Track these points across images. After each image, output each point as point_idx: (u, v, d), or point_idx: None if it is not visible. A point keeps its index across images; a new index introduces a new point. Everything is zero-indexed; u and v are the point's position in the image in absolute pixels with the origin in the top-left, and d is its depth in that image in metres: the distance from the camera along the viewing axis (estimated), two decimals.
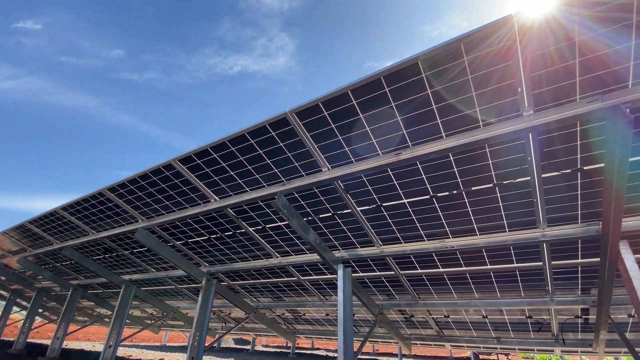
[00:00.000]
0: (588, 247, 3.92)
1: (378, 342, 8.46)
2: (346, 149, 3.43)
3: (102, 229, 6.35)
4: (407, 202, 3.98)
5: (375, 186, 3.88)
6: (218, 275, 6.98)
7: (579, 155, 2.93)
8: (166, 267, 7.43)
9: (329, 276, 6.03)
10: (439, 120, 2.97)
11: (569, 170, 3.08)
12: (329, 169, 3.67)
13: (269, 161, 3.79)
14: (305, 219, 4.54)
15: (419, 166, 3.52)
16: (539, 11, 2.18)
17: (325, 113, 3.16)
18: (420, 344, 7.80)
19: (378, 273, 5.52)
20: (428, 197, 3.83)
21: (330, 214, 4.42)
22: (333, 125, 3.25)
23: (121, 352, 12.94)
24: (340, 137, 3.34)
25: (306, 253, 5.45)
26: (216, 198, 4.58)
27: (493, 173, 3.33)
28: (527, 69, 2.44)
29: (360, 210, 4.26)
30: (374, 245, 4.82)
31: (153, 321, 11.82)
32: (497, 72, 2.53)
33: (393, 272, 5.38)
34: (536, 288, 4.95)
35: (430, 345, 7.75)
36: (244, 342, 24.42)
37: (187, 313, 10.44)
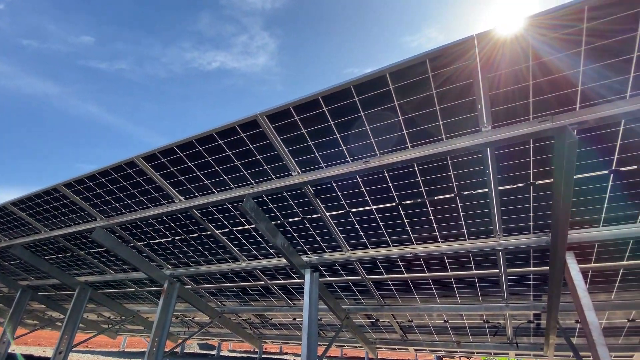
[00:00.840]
0: (539, 256, 4.18)
1: (344, 346, 8.52)
2: (316, 154, 3.45)
3: (56, 227, 5.94)
4: (375, 208, 4.06)
5: (344, 192, 3.93)
6: (182, 278, 6.74)
7: (531, 171, 3.14)
8: (126, 268, 7.07)
9: (297, 280, 6.01)
10: (405, 132, 3.06)
11: (522, 184, 3.28)
12: (299, 173, 3.67)
13: (237, 163, 3.73)
14: (274, 222, 4.50)
15: (386, 174, 3.61)
16: (499, 34, 2.32)
17: (297, 118, 3.16)
18: (385, 348, 7.94)
19: (345, 278, 5.57)
20: (394, 204, 3.93)
21: (299, 218, 4.42)
22: (304, 131, 3.26)
23: (74, 358, 12.11)
24: (311, 143, 3.35)
25: (274, 257, 5.39)
26: (181, 198, 4.43)
27: (454, 184, 3.48)
28: (487, 88, 2.59)
29: (330, 215, 4.28)
30: (342, 250, 4.87)
31: (110, 325, 11.17)
32: (459, 88, 2.65)
33: (360, 277, 5.45)
34: (493, 294, 5.20)
35: (395, 349, 7.91)
36: (209, 347, 23.67)
37: (147, 317, 9.97)
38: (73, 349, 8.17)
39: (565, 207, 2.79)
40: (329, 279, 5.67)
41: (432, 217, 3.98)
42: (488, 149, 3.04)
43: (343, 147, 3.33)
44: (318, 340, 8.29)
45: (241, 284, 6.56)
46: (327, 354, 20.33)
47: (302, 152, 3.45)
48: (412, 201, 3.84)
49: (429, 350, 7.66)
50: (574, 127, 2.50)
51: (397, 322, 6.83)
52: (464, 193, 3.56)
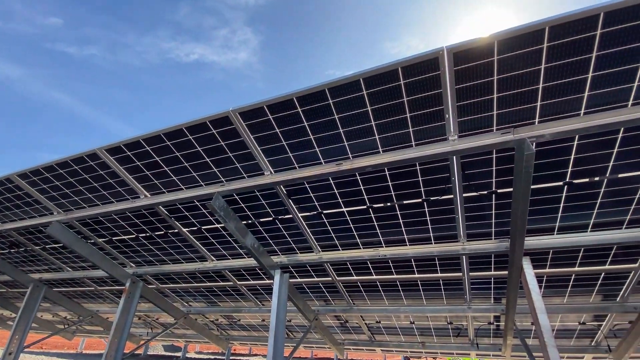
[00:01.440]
0: (499, 261, 4.39)
1: (313, 347, 8.52)
2: (290, 154, 3.43)
3: (8, 219, 5.52)
4: (346, 210, 4.10)
5: (317, 193, 3.93)
6: (146, 277, 6.47)
7: (494, 179, 3.29)
8: (85, 266, 6.69)
9: (267, 281, 5.94)
10: (377, 137, 3.11)
11: (485, 192, 3.43)
12: (271, 172, 3.63)
13: (208, 160, 3.63)
14: (244, 222, 4.42)
15: (358, 177, 3.65)
16: (467, 48, 2.41)
17: (270, 117, 3.13)
18: (353, 349, 8.02)
19: (316, 279, 5.58)
20: (365, 207, 3.98)
21: (271, 219, 4.37)
22: (278, 130, 3.23)
23: (26, 359, 11.28)
24: (284, 143, 3.33)
25: (244, 257, 5.30)
26: (147, 194, 4.26)
27: (422, 189, 3.58)
28: (454, 98, 2.68)
29: (302, 216, 4.27)
30: (313, 251, 4.87)
31: (66, 326, 10.51)
32: (429, 97, 2.73)
33: (330, 278, 5.47)
34: (456, 296, 5.40)
35: (363, 350, 8.01)
36: (175, 348, 22.88)
37: (108, 317, 9.48)
38: (25, 350, 7.62)
39: (522, 215, 2.95)
40: (299, 280, 5.65)
41: (400, 221, 4.07)
42: (454, 157, 3.15)
43: (317, 149, 3.34)
44: (286, 342, 8.25)
45: (209, 284, 6.39)
46: (296, 355, 20.23)
47: (275, 151, 3.42)
48: (382, 204, 3.90)
49: (396, 351, 7.82)
50: (533, 140, 2.65)
51: (365, 323, 6.92)
52: (431, 198, 3.67)
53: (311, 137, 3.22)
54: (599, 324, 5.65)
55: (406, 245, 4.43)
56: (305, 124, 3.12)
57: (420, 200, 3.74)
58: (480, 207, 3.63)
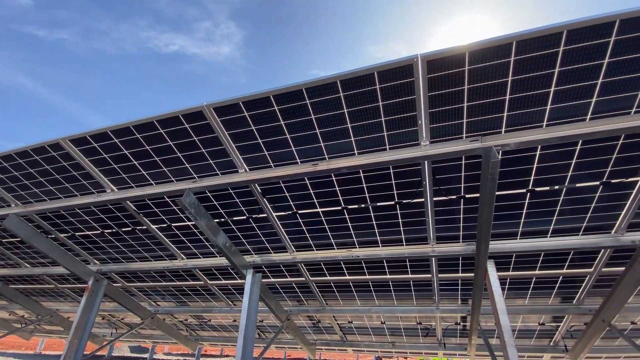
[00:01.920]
0: (466, 263, 4.55)
1: (285, 347, 8.48)
2: (265, 152, 3.40)
3: None
4: (322, 211, 4.10)
5: (292, 193, 3.91)
6: (111, 275, 6.19)
7: (462, 185, 3.40)
8: (45, 262, 6.31)
9: (240, 281, 5.85)
10: (352, 139, 3.14)
11: (455, 197, 3.55)
12: (246, 170, 3.58)
13: (180, 155, 3.53)
14: (217, 220, 4.33)
15: (334, 178, 3.66)
16: (441, 57, 2.48)
17: (246, 114, 3.08)
18: (325, 349, 8.05)
19: (289, 279, 5.55)
20: (340, 208, 4.01)
21: (244, 217, 4.30)
22: (254, 127, 3.19)
23: None
24: (260, 140, 3.29)
25: (216, 256, 5.19)
26: (114, 188, 4.07)
27: (395, 192, 3.65)
28: (427, 105, 2.75)
29: (276, 215, 4.24)
30: (287, 251, 4.84)
31: (24, 325, 9.88)
32: (404, 103, 2.79)
33: (304, 279, 5.47)
34: (426, 297, 5.55)
35: (334, 350, 8.06)
36: (142, 349, 22.04)
37: (69, 317, 8.99)
38: None
39: (487, 220, 3.07)
40: (272, 280, 5.60)
41: (374, 222, 4.13)
42: (426, 162, 3.23)
43: (293, 148, 3.32)
44: (258, 342, 8.16)
45: (178, 283, 6.21)
46: (269, 356, 20.05)
47: (250, 149, 3.37)
48: (356, 206, 3.94)
49: (367, 350, 7.93)
50: (499, 149, 2.77)
51: (337, 323, 6.97)
52: (404, 201, 3.74)
53: (287, 136, 3.20)
54: (557, 324, 5.98)
55: (379, 246, 4.50)
56: (282, 122, 3.10)
57: (393, 202, 3.81)
58: (449, 211, 3.75)
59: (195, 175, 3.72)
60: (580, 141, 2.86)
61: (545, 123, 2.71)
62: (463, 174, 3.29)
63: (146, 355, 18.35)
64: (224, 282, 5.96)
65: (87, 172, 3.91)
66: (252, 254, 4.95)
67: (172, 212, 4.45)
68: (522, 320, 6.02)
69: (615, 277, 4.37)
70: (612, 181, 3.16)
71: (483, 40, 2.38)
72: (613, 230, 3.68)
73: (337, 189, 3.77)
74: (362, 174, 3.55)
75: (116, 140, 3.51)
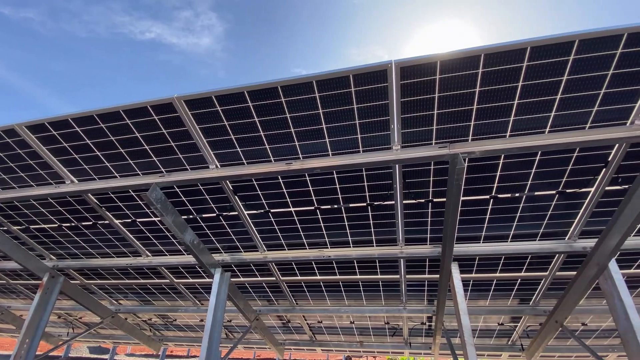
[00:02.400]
0: (433, 265, 4.70)
1: (253, 347, 8.37)
2: (238, 149, 3.33)
3: None
4: (294, 210, 4.09)
5: (265, 191, 3.87)
6: (69, 271, 5.84)
7: (431, 189, 3.51)
8: None
9: (208, 280, 5.70)
10: (327, 140, 3.15)
11: (423, 200, 3.65)
12: (217, 166, 3.49)
13: (147, 147, 3.39)
14: (185, 217, 4.20)
15: (307, 178, 3.66)
16: (414, 64, 2.54)
17: (219, 108, 3.01)
18: (294, 349, 8.03)
19: (260, 278, 5.48)
20: (313, 208, 4.01)
21: (215, 215, 4.20)
22: (226, 123, 3.12)
23: None
24: (233, 137, 3.23)
25: (183, 254, 5.03)
26: (74, 180, 3.84)
27: (367, 194, 3.70)
28: (399, 110, 2.82)
29: (248, 213, 4.17)
30: (258, 250, 4.78)
31: None
32: (377, 107, 2.83)
33: (274, 278, 5.42)
34: (394, 297, 5.68)
35: (303, 349, 8.05)
36: (102, 350, 20.97)
37: (21, 315, 8.39)
38: None
39: (452, 223, 3.19)
40: (242, 279, 5.51)
41: (346, 223, 4.17)
42: (397, 166, 3.31)
43: (267, 146, 3.28)
44: (226, 342, 8.00)
45: (142, 281, 5.96)
46: (238, 356, 19.71)
47: (222, 145, 3.30)
48: (329, 206, 3.96)
49: (335, 350, 7.99)
50: (465, 156, 2.88)
51: (307, 323, 6.97)
52: (375, 203, 3.81)
53: (261, 133, 3.16)
54: (515, 325, 6.32)
55: (350, 247, 4.55)
56: (256, 119, 3.06)
57: (365, 204, 3.86)
58: (418, 214, 3.85)
59: (163, 170, 3.59)
60: (540, 152, 3.04)
61: (508, 133, 2.86)
62: (432, 178, 3.39)
63: (106, 356, 17.45)
64: (191, 280, 5.79)
65: (45, 161, 3.66)
66: (221, 253, 4.84)
67: (138, 207, 4.26)
68: (483, 320, 6.30)
69: (568, 280, 4.68)
70: (567, 191, 3.39)
71: (454, 50, 2.46)
72: (567, 237, 3.94)
73: (310, 188, 3.77)
74: (335, 175, 3.58)
75: (78, 129, 3.31)
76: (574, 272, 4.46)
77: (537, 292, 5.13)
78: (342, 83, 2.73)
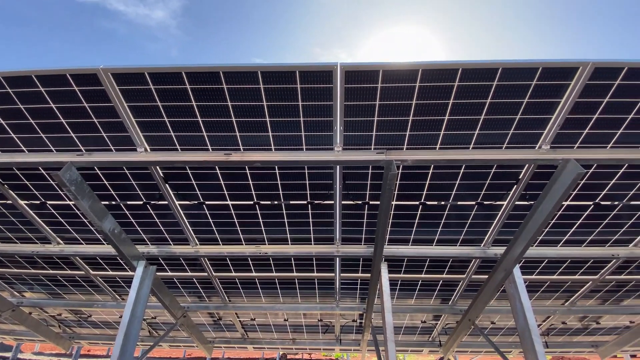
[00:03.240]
0: (365, 264, 4.89)
1: (180, 346, 7.93)
2: (172, 133, 3.10)
3: None
4: (232, 204, 3.94)
5: (200, 182, 3.66)
6: None
7: (368, 192, 3.65)
8: None
9: (131, 273, 5.23)
10: (270, 133, 3.09)
11: (360, 202, 3.78)
12: (146, 150, 3.21)
13: (64, 121, 2.99)
14: (106, 202, 3.80)
15: (248, 171, 3.55)
16: (359, 69, 2.60)
17: (152, 87, 2.77)
18: (224, 347, 7.77)
19: (190, 274, 5.19)
20: (252, 203, 3.91)
21: (141, 203, 3.87)
22: (160, 104, 2.88)
23: None
24: (166, 119, 2.99)
25: (103, 243, 4.55)
26: None
27: (308, 192, 3.71)
28: (343, 113, 2.87)
29: (180, 204, 3.92)
30: (189, 244, 4.52)
31: None
32: (322, 107, 2.85)
33: (206, 274, 5.18)
34: (328, 295, 5.79)
35: (234, 347, 7.84)
36: (5, 347, 18.17)
37: None
38: None
39: (384, 225, 3.34)
40: (170, 273, 5.17)
41: (285, 220, 4.13)
42: (338, 167, 3.37)
43: (205, 133, 3.11)
44: (149, 341, 7.45)
45: (52, 271, 5.27)
46: (166, 355, 18.54)
47: (154, 127, 3.04)
48: (269, 202, 3.89)
49: (268, 348, 7.92)
50: (399, 163, 3.04)
51: (240, 320, 6.80)
52: (315, 202, 3.84)
53: (199, 119, 2.99)
54: (436, 322, 6.86)
55: (288, 244, 4.52)
56: (194, 103, 2.88)
57: (306, 202, 3.87)
58: (355, 214, 3.97)
59: (82, 148, 3.20)
60: (464, 165, 3.33)
61: (438, 146, 3.07)
62: (369, 182, 3.52)
63: (9, 355, 15.16)
64: (111, 273, 5.27)
65: None
66: (147, 244, 4.48)
67: (49, 188, 3.75)
68: (409, 318, 6.74)
69: (481, 283, 5.20)
70: (485, 202, 3.76)
71: (396, 62, 2.57)
72: (482, 244, 4.38)
73: (250, 182, 3.66)
74: (277, 171, 3.52)
75: None
76: (486, 276, 4.98)
77: (455, 293, 5.63)
78: (289, 78, 2.69)
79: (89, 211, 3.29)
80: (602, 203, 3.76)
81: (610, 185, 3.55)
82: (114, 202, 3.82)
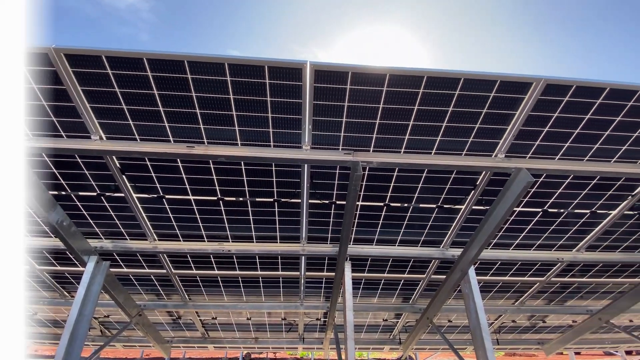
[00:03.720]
0: (331, 263, 4.93)
1: (135, 346, 7.55)
2: (130, 122, 2.93)
3: None
4: (194, 199, 3.80)
5: (160, 174, 3.50)
6: None
7: (335, 192, 3.68)
8: None
9: (82, 269, 4.90)
10: (237, 128, 3.01)
11: (327, 201, 3.80)
12: (101, 138, 3.01)
13: None
14: (55, 192, 3.52)
15: (212, 166, 3.44)
16: (327, 68, 2.61)
17: (110, 71, 2.60)
18: (183, 347, 7.51)
19: (147, 270, 4.95)
20: (216, 198, 3.80)
21: (95, 194, 3.63)
22: (118, 90, 2.71)
23: None
24: (124, 107, 2.82)
25: (50, 236, 4.22)
26: None
27: (275, 189, 3.67)
28: (312, 112, 2.87)
29: (137, 197, 3.72)
30: (147, 239, 4.30)
31: None
32: (291, 104, 2.83)
33: (165, 271, 4.97)
34: (292, 294, 5.77)
35: (194, 347, 7.60)
36: None
37: None
38: None
39: (348, 225, 3.39)
40: (125, 270, 4.90)
41: (251, 217, 4.06)
42: (306, 166, 3.36)
43: (166, 124, 2.97)
44: (100, 340, 7.02)
45: None
46: (121, 356, 17.59)
47: (110, 114, 2.86)
48: (234, 198, 3.81)
49: (229, 347, 7.75)
50: (365, 165, 3.09)
51: (200, 319, 6.59)
52: (282, 200, 3.80)
53: (161, 109, 2.85)
54: (397, 321, 7.07)
55: (253, 242, 4.45)
56: (156, 92, 2.74)
57: (272, 199, 3.82)
58: (321, 214, 3.99)
59: (29, 132, 2.94)
60: (426, 170, 3.45)
61: (403, 150, 3.16)
62: (336, 182, 3.55)
63: None
64: (59, 268, 4.89)
65: None
66: (100, 238, 4.22)
67: None
68: (372, 316, 6.88)
69: (440, 283, 5.43)
70: (445, 206, 3.92)
71: (365, 65, 2.60)
72: (441, 245, 4.57)
73: (214, 177, 3.56)
74: (243, 167, 3.45)
75: None
76: (444, 276, 5.21)
77: (416, 292, 5.83)
78: (257, 72, 2.63)
79: (35, 200, 3.03)
80: (550, 210, 4.06)
81: (557, 194, 3.84)
82: (63, 192, 3.55)
